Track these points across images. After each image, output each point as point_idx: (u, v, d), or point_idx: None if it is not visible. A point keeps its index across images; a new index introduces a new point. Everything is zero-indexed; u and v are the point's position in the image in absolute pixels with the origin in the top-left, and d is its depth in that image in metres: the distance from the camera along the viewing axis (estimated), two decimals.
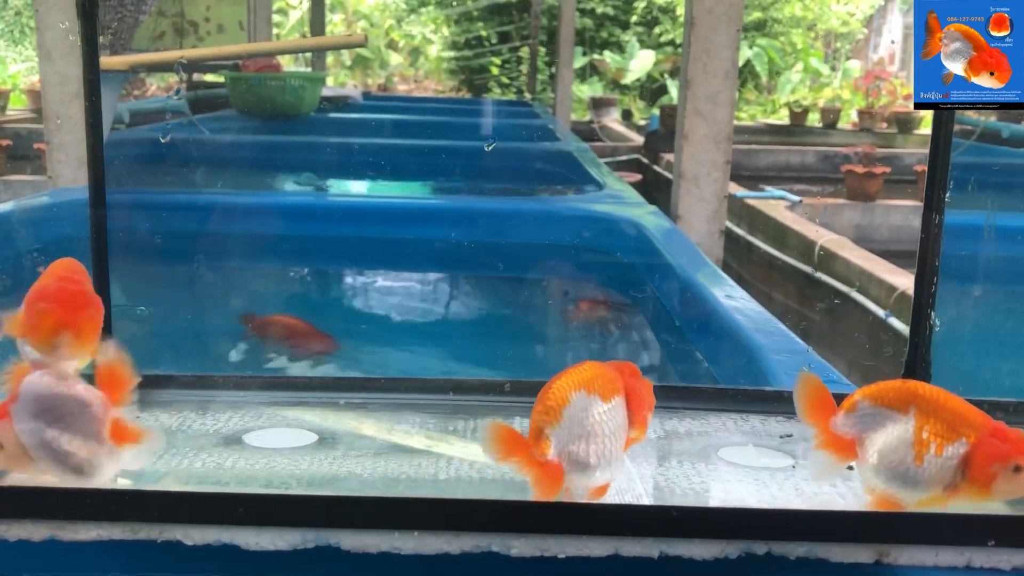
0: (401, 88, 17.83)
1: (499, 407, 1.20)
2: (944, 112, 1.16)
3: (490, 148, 4.51)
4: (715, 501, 0.97)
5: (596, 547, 0.91)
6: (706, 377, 1.88)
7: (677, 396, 1.24)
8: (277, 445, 1.08)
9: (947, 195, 1.17)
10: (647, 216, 3.01)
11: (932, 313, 1.18)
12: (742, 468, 1.04)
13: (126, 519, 0.91)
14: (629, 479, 0.99)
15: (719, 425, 1.17)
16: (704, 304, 1.99)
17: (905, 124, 12.71)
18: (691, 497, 0.97)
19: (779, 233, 6.81)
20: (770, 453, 1.09)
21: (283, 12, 17.24)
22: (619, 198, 3.40)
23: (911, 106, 12.76)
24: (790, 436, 1.13)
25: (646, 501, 0.95)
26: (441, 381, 1.23)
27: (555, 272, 3.02)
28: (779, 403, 1.23)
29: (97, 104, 1.23)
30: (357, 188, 4.98)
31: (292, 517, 0.91)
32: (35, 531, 0.91)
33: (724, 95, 3.78)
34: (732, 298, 1.94)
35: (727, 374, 1.76)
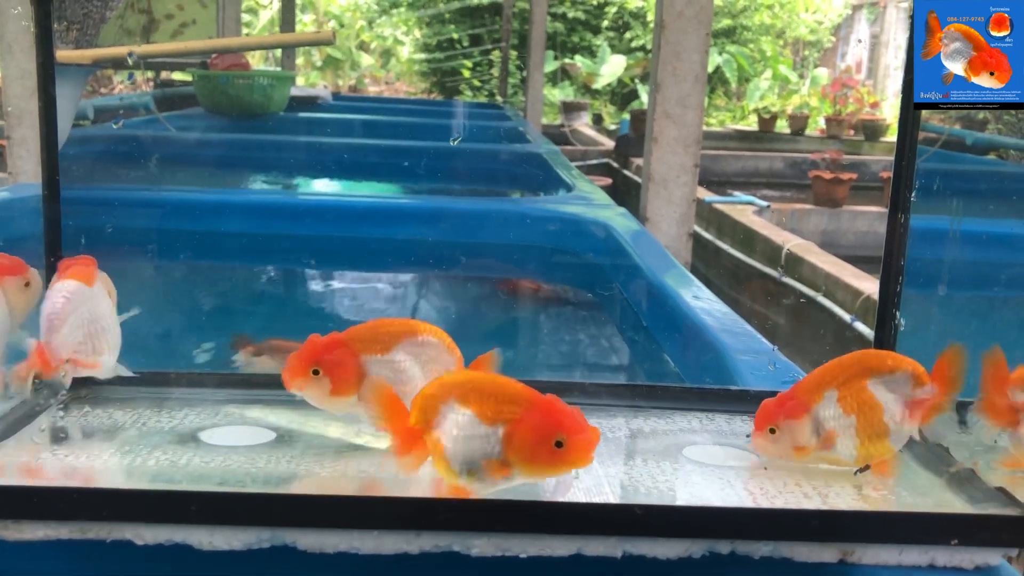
0: (372, 89, 17.76)
1: None
2: (910, 115, 1.17)
3: (455, 143, 4.50)
4: (679, 500, 0.96)
5: (559, 546, 0.90)
6: (672, 377, 1.88)
7: (643, 395, 1.23)
8: (234, 443, 1.06)
9: (912, 196, 1.17)
10: (616, 218, 3.01)
11: (897, 313, 1.18)
12: (707, 467, 1.03)
13: (75, 518, 0.88)
14: (594, 478, 0.98)
15: (684, 424, 1.17)
16: (671, 304, 1.99)
17: (872, 131, 12.88)
18: (655, 496, 0.96)
19: (747, 237, 6.86)
20: (736, 452, 1.08)
21: (253, 11, 17.09)
22: (588, 200, 3.40)
23: (878, 114, 12.99)
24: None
25: (610, 500, 0.94)
26: None
27: (524, 273, 3.01)
28: (745, 402, 1.22)
29: (51, 94, 1.20)
30: (325, 187, 4.94)
31: (247, 516, 0.89)
32: None
33: (693, 99, 3.79)
34: (699, 299, 1.94)
35: (693, 374, 1.76)
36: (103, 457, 1.00)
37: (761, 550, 0.92)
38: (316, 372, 1.01)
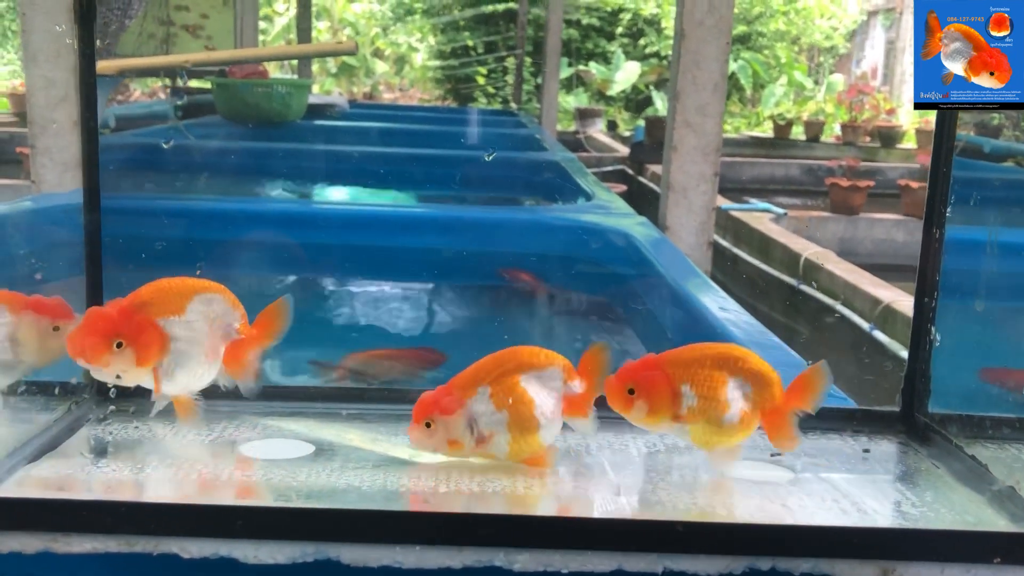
0: (386, 96, 17.82)
1: None
2: (946, 124, 1.17)
3: (490, 158, 4.50)
4: (719, 516, 0.96)
5: (600, 562, 0.90)
6: None
7: None
8: (274, 456, 1.07)
9: (948, 210, 1.17)
10: (637, 227, 3.00)
11: (932, 328, 1.18)
12: (744, 482, 1.03)
13: (122, 531, 0.89)
14: (633, 493, 0.98)
15: None
16: (698, 317, 1.98)
17: (888, 138, 12.82)
18: (695, 512, 0.96)
19: (764, 245, 6.84)
20: (771, 467, 1.08)
21: (268, 19, 17.19)
22: (608, 208, 3.40)
23: (894, 121, 12.90)
24: (779, 455, 1.12)
25: (650, 516, 0.94)
26: None
27: (545, 282, 3.01)
28: None
29: (93, 109, 1.21)
30: (345, 196, 4.96)
31: (292, 530, 0.89)
32: (28, 543, 0.89)
33: (713, 107, 3.79)
34: (726, 311, 1.93)
35: None
36: (146, 470, 1.01)
37: (802, 567, 0.92)
38: (119, 345, 0.97)
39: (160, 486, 0.98)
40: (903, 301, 5.07)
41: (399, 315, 2.98)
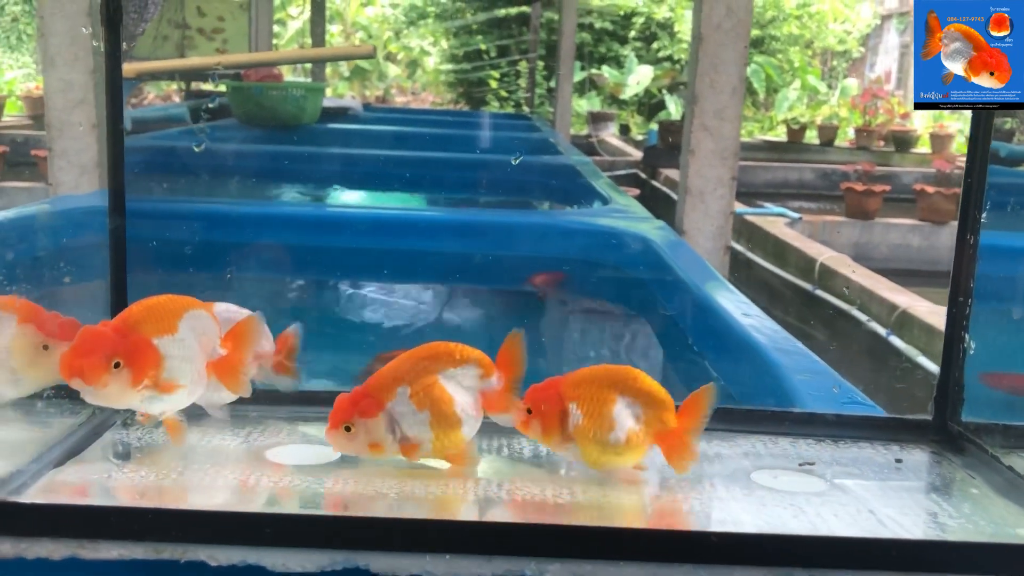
0: (399, 100, 17.85)
1: None
2: (982, 127, 1.15)
3: (516, 162, 4.48)
4: (754, 527, 0.95)
5: (633, 573, 0.89)
6: (724, 398, 1.83)
7: None
8: (300, 462, 1.06)
9: (983, 216, 1.15)
10: (655, 231, 2.99)
11: (966, 335, 1.16)
12: (778, 493, 1.02)
13: (149, 538, 0.88)
14: (665, 503, 0.97)
15: (748, 448, 1.15)
16: (720, 322, 1.97)
17: (902, 142, 12.76)
18: (729, 523, 0.94)
19: (779, 250, 6.81)
20: (805, 478, 1.06)
21: (281, 23, 17.25)
22: (626, 212, 3.38)
23: (908, 125, 12.86)
24: (812, 465, 1.11)
25: (683, 526, 0.93)
26: None
27: (563, 287, 3.00)
28: (809, 425, 1.21)
29: (119, 112, 1.21)
30: (361, 199, 4.95)
31: (321, 539, 0.88)
32: (55, 549, 0.88)
33: (731, 111, 3.77)
34: (749, 316, 1.92)
35: (748, 394, 1.73)
36: (172, 476, 1.00)
37: None
38: (117, 365, 0.95)
39: (187, 492, 0.97)
40: (920, 306, 5.03)
41: (419, 319, 2.97)
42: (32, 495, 0.92)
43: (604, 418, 1.00)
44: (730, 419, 1.21)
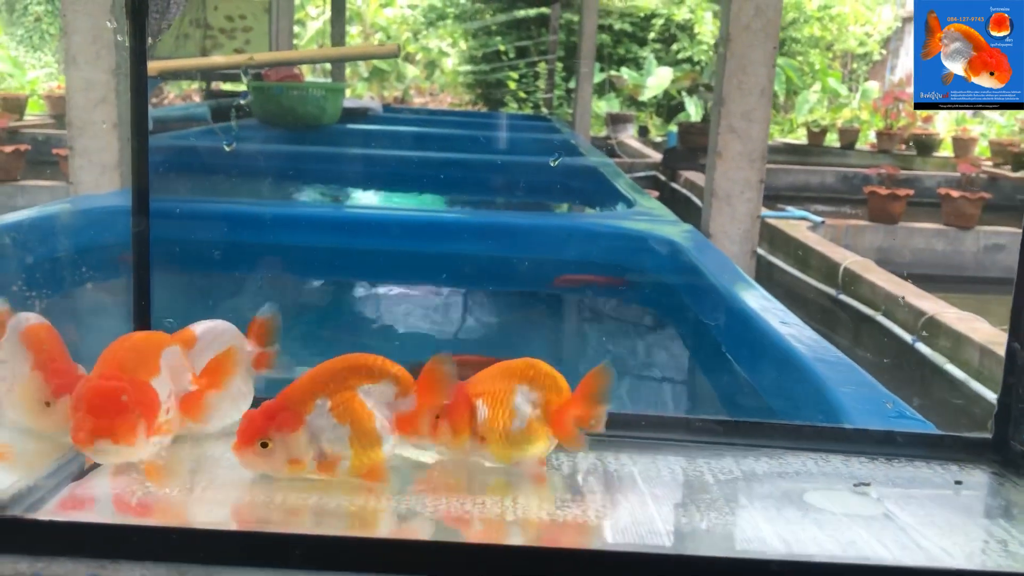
0: (417, 101, 17.85)
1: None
2: None
3: (555, 163, 4.43)
4: (814, 553, 0.89)
5: None
6: (764, 411, 1.78)
7: (750, 433, 1.15)
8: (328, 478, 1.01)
9: None
10: (684, 235, 2.92)
11: None
12: (835, 515, 0.96)
13: (174, 559, 0.83)
14: (720, 525, 0.91)
15: (799, 466, 1.09)
16: (757, 331, 1.90)
17: (924, 146, 12.63)
18: (786, 548, 0.89)
19: (802, 254, 6.73)
20: (861, 499, 1.00)
21: (301, 23, 17.29)
22: (652, 215, 3.32)
23: (930, 128, 12.76)
24: (867, 485, 1.05)
25: (741, 551, 0.87)
26: None
27: (590, 292, 2.94)
28: (861, 442, 1.15)
29: (144, 108, 1.16)
30: (383, 200, 4.92)
31: (353, 561, 0.83)
32: (74, 570, 0.83)
33: (759, 112, 3.71)
34: (787, 324, 1.85)
35: (789, 408, 1.66)
36: (196, 491, 0.95)
37: None
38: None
39: (213, 509, 0.92)
40: (947, 313, 4.95)
41: (444, 322, 2.92)
42: (49, 511, 0.88)
43: (506, 408, 0.98)
44: (778, 435, 1.15)
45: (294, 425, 0.93)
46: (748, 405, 1.85)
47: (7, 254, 2.64)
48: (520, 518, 0.92)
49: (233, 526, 0.90)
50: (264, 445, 0.92)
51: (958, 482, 1.07)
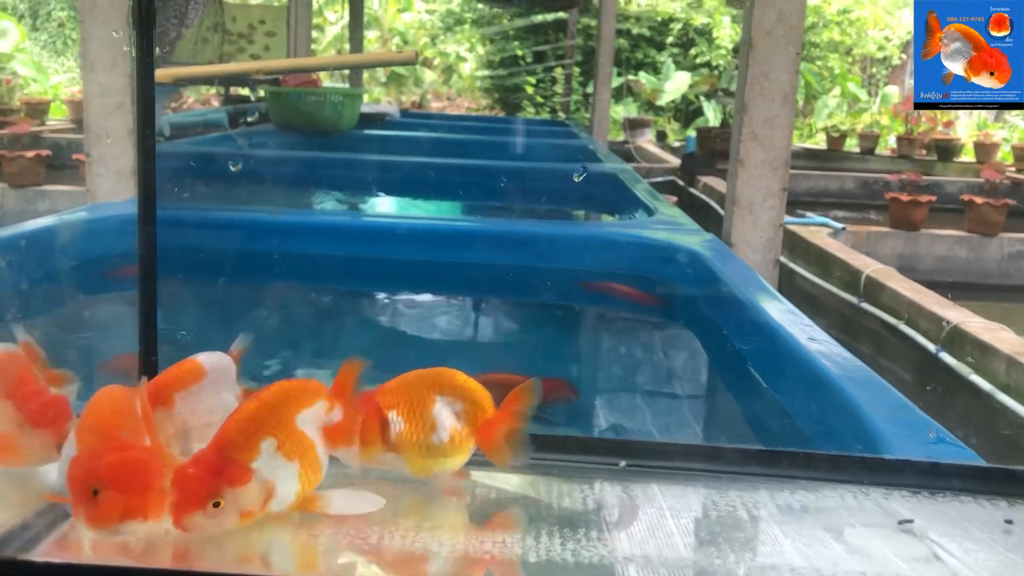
0: (434, 105, 17.86)
1: (596, 468, 1.06)
2: None
3: (579, 179, 4.38)
4: None
5: None
6: (794, 438, 1.69)
7: (784, 463, 1.10)
8: (342, 510, 0.95)
9: None
10: (707, 245, 2.86)
11: None
12: (881, 556, 0.90)
13: None
14: (759, 567, 0.85)
15: (837, 500, 1.03)
16: (784, 347, 1.83)
17: (945, 151, 12.50)
18: None
19: (822, 260, 6.64)
20: (908, 539, 0.94)
21: (319, 28, 17.33)
22: (674, 224, 3.26)
23: (952, 133, 12.66)
24: (911, 522, 0.98)
25: None
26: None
27: (612, 305, 2.88)
28: (903, 474, 1.09)
29: (150, 117, 1.12)
30: (401, 207, 4.88)
31: None
32: None
33: (782, 119, 3.65)
34: (815, 341, 1.78)
35: (821, 434, 1.59)
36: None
37: None
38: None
39: (222, 551, 0.87)
40: (971, 322, 4.85)
41: (460, 335, 2.87)
42: (44, 552, 0.83)
43: (425, 420, 0.95)
44: (814, 466, 1.09)
45: (244, 477, 0.84)
46: (777, 428, 1.78)
47: (23, 263, 2.62)
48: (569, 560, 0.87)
49: (232, 568, 0.85)
50: (216, 504, 0.83)
51: (1008, 521, 1.01)
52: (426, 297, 3.08)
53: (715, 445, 1.05)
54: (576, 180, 4.39)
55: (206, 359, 1.04)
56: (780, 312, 2.03)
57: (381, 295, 3.21)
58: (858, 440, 1.32)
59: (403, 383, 0.98)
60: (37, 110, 11.36)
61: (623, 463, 1.02)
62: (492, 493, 1.01)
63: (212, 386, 1.01)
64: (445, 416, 0.96)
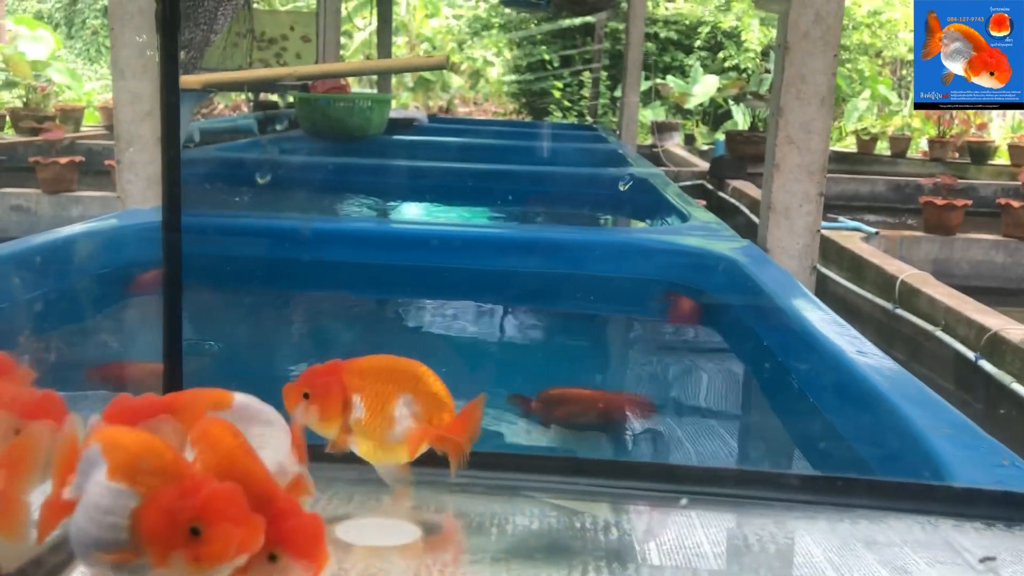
0: (461, 110, 17.87)
1: (643, 493, 1.00)
2: None
3: (625, 187, 4.31)
4: None
5: None
6: (847, 461, 1.60)
7: (844, 490, 1.03)
8: (374, 542, 0.90)
9: None
10: (744, 252, 2.78)
11: None
12: None
13: None
14: None
15: (904, 532, 0.96)
16: (831, 360, 1.76)
17: (979, 154, 12.27)
18: None
19: (855, 266, 6.52)
20: None
21: (348, 34, 17.40)
22: (710, 230, 3.18)
23: (985, 136, 12.46)
24: (993, 559, 0.91)
25: None
26: (565, 460, 1.04)
27: (649, 313, 2.81)
28: (973, 504, 1.01)
29: (175, 124, 1.08)
30: (432, 214, 4.84)
31: None
32: None
33: (819, 123, 3.56)
34: (864, 354, 1.70)
35: (877, 457, 1.50)
36: None
37: None
38: None
39: None
40: (1012, 329, 4.73)
41: (487, 345, 2.81)
42: None
43: (385, 415, 0.94)
44: (877, 494, 1.02)
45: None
46: (827, 450, 1.70)
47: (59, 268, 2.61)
48: None
49: None
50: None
51: None
52: (465, 303, 3.02)
53: (773, 471, 0.98)
54: (622, 189, 4.32)
55: (240, 397, 0.95)
56: (825, 324, 1.95)
57: (414, 303, 3.17)
58: (918, 465, 1.24)
59: (373, 368, 0.96)
60: (71, 117, 11.48)
61: (684, 501, 0.96)
62: (516, 527, 0.96)
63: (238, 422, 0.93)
64: (404, 415, 0.95)
